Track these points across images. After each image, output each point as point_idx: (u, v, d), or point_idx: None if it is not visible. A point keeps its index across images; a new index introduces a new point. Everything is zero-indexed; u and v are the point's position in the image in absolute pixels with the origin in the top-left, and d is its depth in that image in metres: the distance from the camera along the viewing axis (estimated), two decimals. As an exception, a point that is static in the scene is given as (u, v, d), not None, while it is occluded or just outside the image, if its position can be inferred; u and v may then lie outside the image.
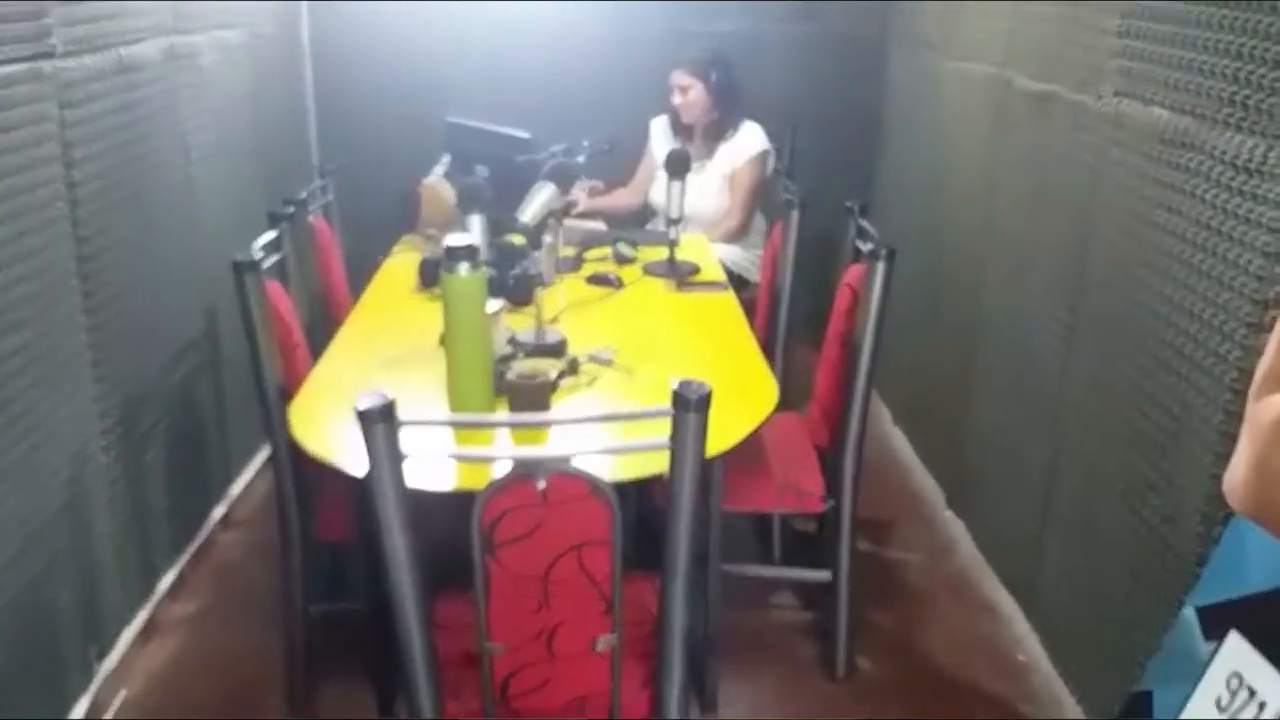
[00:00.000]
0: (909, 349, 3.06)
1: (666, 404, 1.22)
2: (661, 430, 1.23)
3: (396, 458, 1.22)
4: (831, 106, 3.64)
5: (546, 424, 1.47)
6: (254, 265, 1.83)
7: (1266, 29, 1.43)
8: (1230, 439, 1.51)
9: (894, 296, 1.99)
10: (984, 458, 2.54)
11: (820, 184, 2.92)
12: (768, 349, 2.43)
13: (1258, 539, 1.35)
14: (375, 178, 3.16)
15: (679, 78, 3.09)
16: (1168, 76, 1.71)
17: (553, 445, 1.50)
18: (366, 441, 1.22)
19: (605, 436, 1.58)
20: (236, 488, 2.85)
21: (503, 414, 1.64)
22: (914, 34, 3.29)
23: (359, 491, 1.81)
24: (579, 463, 1.23)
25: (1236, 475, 1.29)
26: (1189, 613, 1.56)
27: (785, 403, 2.31)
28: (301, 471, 1.92)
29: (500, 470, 1.27)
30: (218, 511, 2.71)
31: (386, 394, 1.21)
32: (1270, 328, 1.42)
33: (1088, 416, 1.98)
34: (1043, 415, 2.17)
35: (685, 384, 1.20)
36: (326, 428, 1.69)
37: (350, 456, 1.55)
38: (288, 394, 1.87)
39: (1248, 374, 1.47)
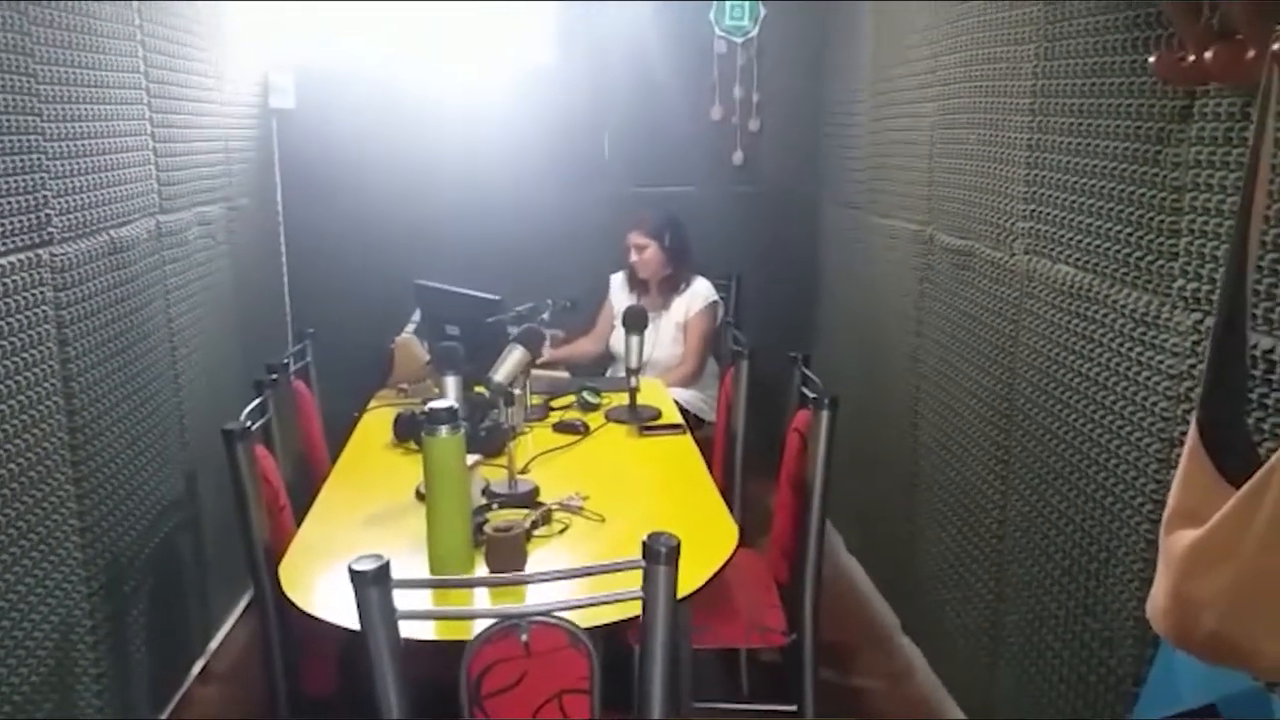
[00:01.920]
0: (858, 482, 3.22)
1: (637, 555, 1.34)
2: (634, 579, 1.35)
3: (391, 616, 1.32)
4: (773, 260, 3.93)
5: (528, 582, 1.58)
6: (244, 432, 1.95)
7: (1152, 200, 1.65)
8: (1153, 566, 1.66)
9: (839, 433, 2.15)
10: (934, 586, 2.66)
11: (765, 330, 3.15)
12: (726, 488, 2.56)
13: (1184, 659, 1.48)
14: (348, 337, 3.32)
15: (635, 238, 3.33)
16: (1070, 238, 1.93)
17: (531, 597, 1.61)
18: (360, 602, 1.32)
19: (580, 587, 1.68)
20: (215, 642, 2.88)
21: (485, 574, 1.74)
22: (844, 193, 3.57)
23: (346, 646, 1.90)
24: (558, 615, 1.34)
25: (1156, 603, 1.42)
26: (1129, 729, 1.68)
27: (744, 537, 2.44)
28: (286, 629, 1.99)
29: (483, 624, 1.37)
30: (197, 666, 2.74)
31: (381, 556, 1.32)
32: (1176, 464, 1.59)
33: (1027, 546, 2.12)
34: (986, 545, 2.31)
35: (654, 537, 1.33)
36: (315, 586, 1.78)
37: (340, 612, 1.63)
38: (275, 553, 1.95)
39: (1162, 506, 1.63)
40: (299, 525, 2.08)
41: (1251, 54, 1.35)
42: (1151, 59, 1.57)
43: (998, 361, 2.24)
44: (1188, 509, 1.35)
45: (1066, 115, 1.94)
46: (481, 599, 1.69)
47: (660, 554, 1.32)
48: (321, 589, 1.76)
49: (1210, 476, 1.33)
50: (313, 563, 1.88)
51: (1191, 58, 1.49)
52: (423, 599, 1.64)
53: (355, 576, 1.29)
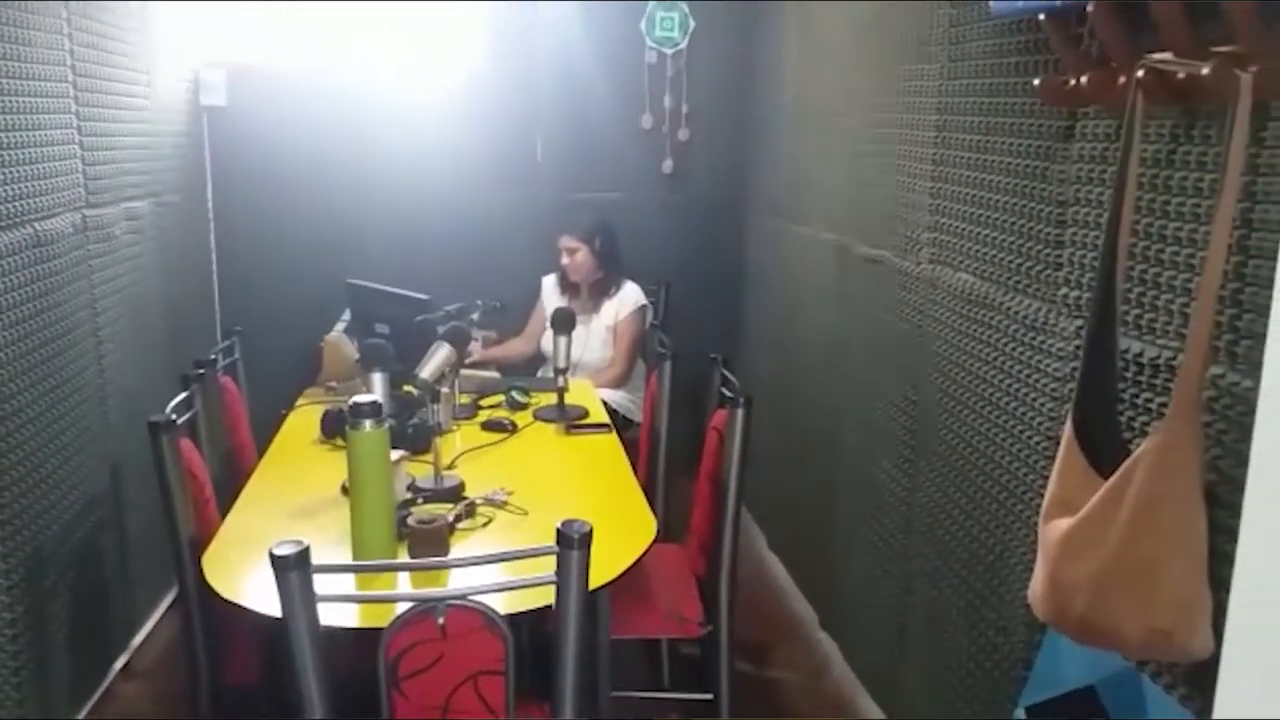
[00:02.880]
0: (779, 481, 3.33)
1: (553, 543, 1.41)
2: (550, 565, 1.41)
3: (310, 601, 1.37)
4: (701, 266, 4.03)
5: (444, 567, 1.63)
6: (169, 425, 1.97)
7: (1039, 213, 1.77)
8: (1038, 556, 1.78)
9: (760, 433, 2.24)
10: (849, 581, 2.77)
11: (691, 335, 3.24)
12: (649, 485, 2.64)
13: (1069, 644, 1.60)
14: (277, 335, 3.33)
15: (567, 242, 3.40)
16: (970, 248, 2.05)
17: (451, 584, 1.66)
18: (281, 586, 1.37)
19: (500, 575, 1.74)
20: (138, 638, 2.87)
21: (404, 559, 1.79)
22: (768, 202, 3.68)
23: (269, 635, 1.93)
24: (474, 599, 1.40)
25: (1036, 589, 1.53)
26: (1020, 713, 1.79)
27: (667, 535, 2.52)
28: (209, 620, 2.01)
29: (402, 609, 1.43)
30: (119, 662, 2.73)
31: (301, 541, 1.36)
32: (1057, 459, 1.71)
33: (932, 541, 2.23)
34: (895, 540, 2.42)
35: (568, 524, 1.40)
36: (239, 575, 1.81)
37: (262, 600, 1.67)
38: (199, 546, 1.98)
39: (1046, 498, 1.75)
40: (224, 519, 2.10)
41: (1122, 79, 1.47)
42: (1036, 82, 1.68)
43: (906, 364, 2.36)
44: (1063, 499, 1.46)
45: (967, 133, 2.06)
46: (402, 586, 1.74)
47: (573, 539, 1.38)
48: (245, 579, 1.79)
49: (1083, 469, 1.45)
50: (236, 553, 1.91)
51: (1072, 82, 1.61)
52: (344, 585, 1.69)
53: (276, 561, 1.34)
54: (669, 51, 3.90)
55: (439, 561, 1.57)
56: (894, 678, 2.45)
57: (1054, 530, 1.45)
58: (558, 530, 1.40)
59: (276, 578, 1.35)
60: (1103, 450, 1.43)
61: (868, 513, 2.61)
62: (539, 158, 3.93)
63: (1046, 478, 1.77)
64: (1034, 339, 1.80)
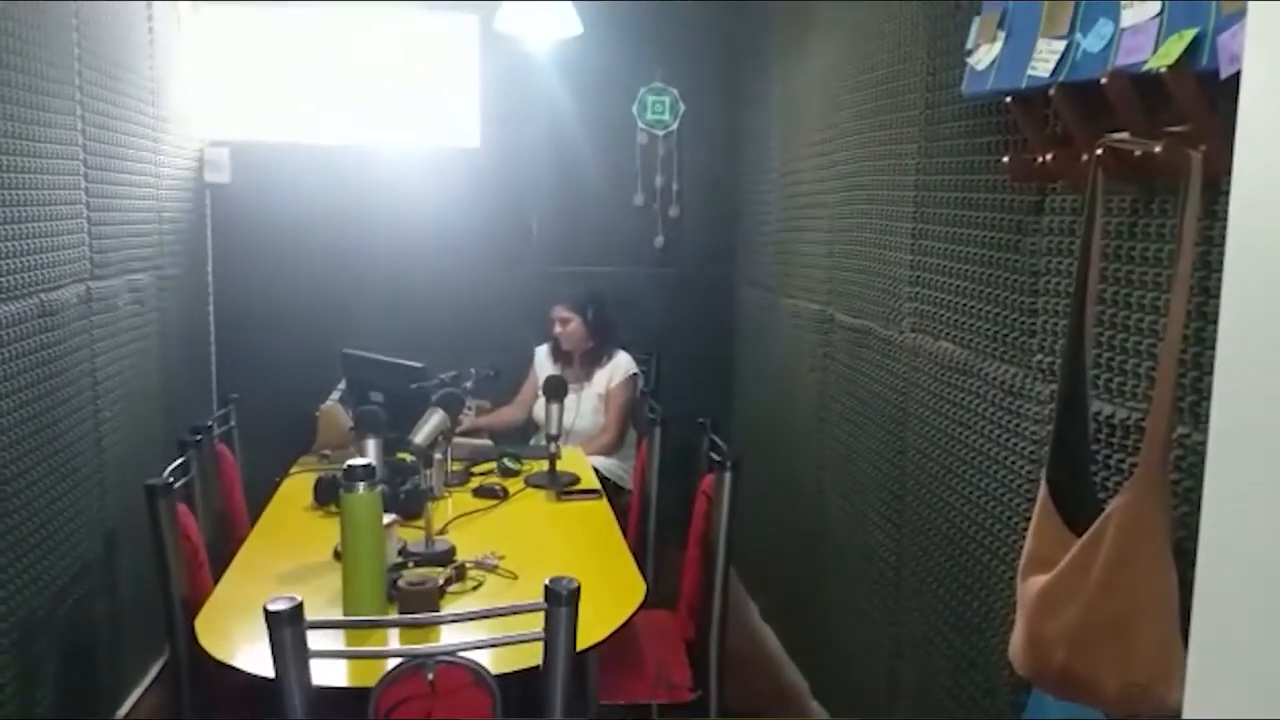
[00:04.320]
0: (769, 548, 3.35)
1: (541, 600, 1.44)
2: (539, 624, 1.44)
3: (303, 656, 1.39)
4: (689, 336, 4.12)
5: (433, 623, 1.65)
6: (166, 488, 2.00)
7: (1014, 282, 1.85)
8: (1020, 616, 1.81)
9: (751, 500, 2.28)
10: (840, 647, 2.77)
11: (682, 403, 3.29)
12: (640, 550, 2.67)
13: (1052, 703, 1.61)
14: (273, 403, 3.37)
15: (560, 312, 3.48)
16: (949, 317, 2.12)
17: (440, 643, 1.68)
18: (274, 642, 1.39)
19: (490, 634, 1.76)
20: (124, 708, 2.84)
21: (393, 615, 1.81)
22: (756, 275, 3.78)
23: (259, 699, 1.93)
24: (463, 655, 1.43)
25: (1016, 645, 1.56)
26: (1006, 773, 1.80)
27: (657, 602, 2.53)
28: (198, 685, 2.02)
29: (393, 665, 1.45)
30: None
31: (294, 598, 1.40)
32: (1035, 520, 1.75)
33: (920, 604, 2.26)
34: (884, 605, 2.44)
35: (556, 580, 1.43)
36: (231, 637, 1.83)
37: (255, 662, 1.69)
38: (192, 609, 1.99)
39: (1026, 559, 1.78)
40: (217, 583, 2.12)
41: (1085, 157, 1.56)
42: (1005, 160, 1.77)
43: (891, 430, 2.41)
44: (1040, 556, 1.50)
45: (943, 207, 2.14)
46: (392, 643, 1.76)
47: (561, 595, 1.42)
48: (237, 641, 1.81)
49: (1058, 527, 1.49)
50: (229, 616, 1.93)
51: (1039, 159, 1.70)
52: (336, 644, 1.71)
53: (270, 616, 1.37)
54: (660, 133, 4.04)
55: (428, 618, 1.60)
56: (885, 747, 2.44)
57: (1031, 586, 1.49)
58: (546, 587, 1.43)
59: (270, 633, 1.38)
60: (1076, 508, 1.48)
61: (858, 579, 2.63)
62: (534, 232, 4.03)
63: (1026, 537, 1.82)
64: (1010, 403, 1.85)
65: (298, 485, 2.77)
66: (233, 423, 2.92)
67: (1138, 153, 1.42)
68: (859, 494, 2.61)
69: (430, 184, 3.91)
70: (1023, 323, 1.83)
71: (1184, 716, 0.96)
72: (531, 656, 1.60)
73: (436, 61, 3.94)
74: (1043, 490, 1.51)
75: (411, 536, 2.29)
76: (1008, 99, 1.73)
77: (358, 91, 3.88)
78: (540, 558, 2.29)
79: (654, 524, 2.75)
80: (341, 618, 1.76)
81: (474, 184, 3.94)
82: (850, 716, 2.71)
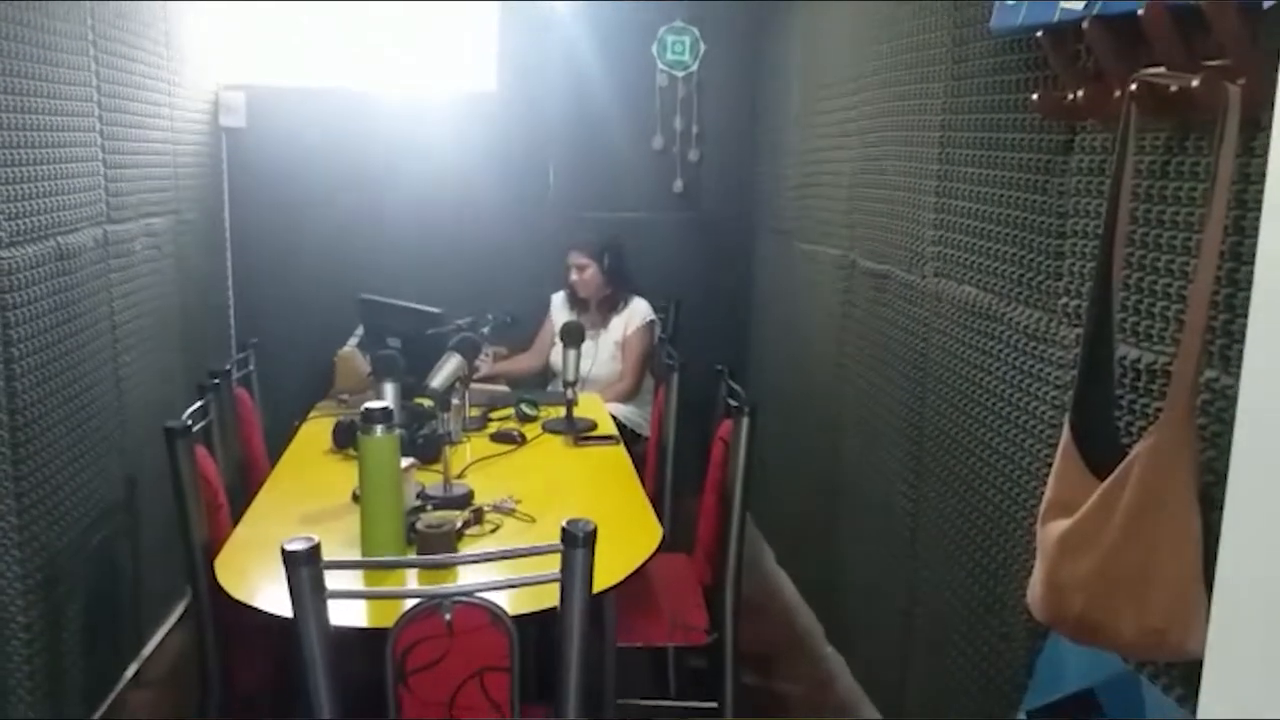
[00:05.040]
0: (785, 495, 3.35)
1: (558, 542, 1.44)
2: (555, 565, 1.44)
3: (321, 596, 1.40)
4: (711, 283, 4.08)
5: (450, 563, 1.66)
6: (185, 431, 2.01)
7: (1040, 225, 1.80)
8: (1039, 562, 1.80)
9: (768, 448, 2.27)
10: (855, 594, 2.78)
11: (700, 350, 3.27)
12: (657, 496, 2.67)
13: (1070, 647, 1.61)
14: (292, 349, 3.38)
15: (576, 258, 3.45)
16: (973, 260, 2.08)
17: (457, 584, 1.69)
18: (292, 582, 1.40)
19: (506, 575, 1.77)
20: (148, 648, 2.90)
21: (411, 556, 1.82)
22: (776, 220, 3.73)
23: (278, 644, 1.96)
24: (480, 596, 1.43)
25: (1034, 590, 1.55)
26: (1022, 717, 1.81)
27: (675, 546, 2.54)
28: (220, 627, 2.04)
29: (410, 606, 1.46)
30: (130, 670, 2.76)
31: (312, 538, 1.40)
32: (1056, 466, 1.73)
33: (937, 551, 2.25)
34: (900, 552, 2.44)
35: (573, 522, 1.43)
36: (251, 578, 1.85)
37: (274, 602, 1.70)
38: (212, 551, 2.01)
39: (1046, 505, 1.77)
40: (236, 525, 2.14)
41: (1117, 94, 1.51)
42: (1034, 97, 1.72)
43: (910, 376, 2.38)
44: (1061, 501, 1.49)
45: (969, 148, 2.09)
46: (410, 584, 1.77)
47: (577, 537, 1.41)
48: (257, 582, 1.82)
49: (1080, 471, 1.47)
50: (248, 558, 1.95)
51: (1069, 96, 1.64)
52: (354, 584, 1.72)
53: (288, 556, 1.37)
54: (680, 74, 3.96)
55: (446, 558, 1.60)
56: (899, 689, 2.45)
57: (1051, 531, 1.47)
58: (562, 529, 1.43)
59: (288, 573, 1.38)
60: (1099, 453, 1.45)
61: (874, 525, 2.62)
62: (551, 178, 3.99)
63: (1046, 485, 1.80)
64: (1035, 348, 1.82)
65: (316, 429, 2.78)
66: (251, 367, 2.93)
67: (1173, 88, 1.37)
68: (877, 440, 2.59)
69: (447, 129, 3.86)
70: (1048, 266, 1.79)
71: (1206, 660, 0.95)
72: (549, 598, 1.60)
73: (454, 4, 3.86)
74: (1066, 434, 1.49)
75: (429, 480, 2.30)
76: (1038, 33, 1.67)
77: (374, 35, 3.82)
78: (557, 502, 2.30)
79: (671, 470, 2.75)
80: (359, 559, 1.77)
81: (490, 129, 3.90)
82: (865, 659, 2.73)
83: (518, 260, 3.89)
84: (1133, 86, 1.40)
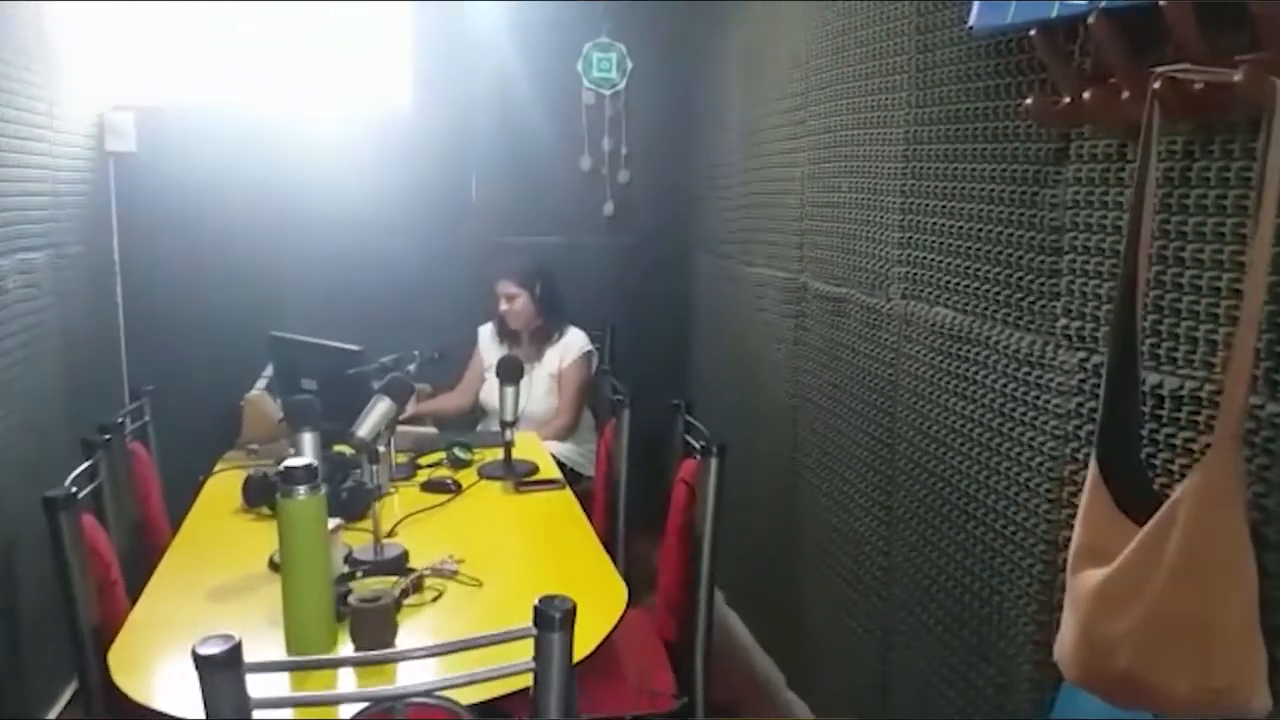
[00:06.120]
0: (736, 533, 3.16)
1: (520, 620, 1.22)
2: (520, 648, 1.22)
3: (244, 708, 1.15)
4: (646, 310, 3.91)
5: (404, 659, 1.41)
6: (69, 500, 1.72)
7: (1031, 241, 1.67)
8: (1047, 608, 1.65)
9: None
10: (820, 638, 2.61)
11: (639, 381, 3.06)
12: (609, 542, 2.45)
13: (1088, 702, 1.45)
14: (193, 395, 3.06)
15: (505, 287, 3.22)
16: (948, 281, 1.94)
17: (404, 676, 1.45)
18: (206, 692, 1.14)
19: (460, 660, 1.53)
20: (31, 743, 2.55)
21: (352, 652, 1.57)
22: (716, 243, 3.57)
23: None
24: (441, 695, 1.20)
25: (1065, 645, 1.39)
26: (1032, 776, 1.64)
27: (631, 597, 2.32)
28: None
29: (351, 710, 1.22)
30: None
31: (232, 636, 1.15)
32: (1070, 503, 1.59)
33: (915, 594, 2.09)
34: (872, 594, 2.28)
35: (547, 601, 1.21)
36: (151, 671, 1.57)
37: (180, 702, 1.43)
38: (105, 637, 1.72)
39: (1055, 545, 1.62)
40: (134, 604, 1.85)
41: (1126, 95, 1.37)
42: (1028, 102, 1.58)
43: (877, 406, 2.23)
44: (1092, 546, 1.33)
45: (940, 161, 1.96)
46: (349, 680, 1.51)
47: (554, 620, 1.20)
48: (158, 675, 1.55)
49: (1111, 512, 1.32)
50: (149, 645, 1.67)
51: (1066, 100, 1.51)
52: (282, 683, 1.46)
53: (201, 662, 1.12)
54: (607, 92, 3.79)
55: (398, 653, 1.35)
56: (876, 742, 2.29)
57: (1085, 582, 1.32)
58: (535, 609, 1.21)
59: (201, 681, 1.13)
60: (1130, 491, 1.31)
61: (840, 565, 2.46)
62: (474, 199, 3.75)
63: (1051, 521, 1.65)
64: (1029, 374, 1.68)
65: (224, 485, 2.49)
66: (147, 417, 2.61)
67: (1199, 85, 1.24)
68: (841, 476, 2.43)
69: (359, 151, 3.60)
70: (1042, 285, 1.65)
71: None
72: (506, 684, 1.38)
73: (362, 16, 3.62)
74: (1093, 473, 1.34)
75: (357, 540, 2.04)
76: (1030, 33, 1.54)
77: (276, 50, 3.55)
78: (504, 559, 2.07)
79: (623, 515, 2.54)
80: (289, 658, 1.51)
81: (406, 150, 3.65)
82: (834, 709, 2.55)
83: (440, 291, 3.64)
84: (1156, 85, 1.27)
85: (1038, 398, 1.66)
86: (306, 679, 1.48)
